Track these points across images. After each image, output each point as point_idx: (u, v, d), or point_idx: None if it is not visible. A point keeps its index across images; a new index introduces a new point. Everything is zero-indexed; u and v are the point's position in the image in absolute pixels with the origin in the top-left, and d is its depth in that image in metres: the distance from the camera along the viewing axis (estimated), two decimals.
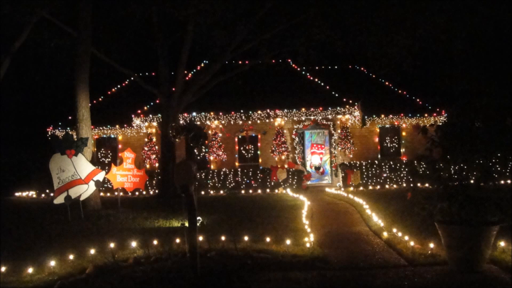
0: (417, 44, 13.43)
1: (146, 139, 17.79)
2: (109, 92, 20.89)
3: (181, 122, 15.78)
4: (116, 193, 12.88)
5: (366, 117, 17.47)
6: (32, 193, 17.05)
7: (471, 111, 5.97)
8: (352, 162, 16.58)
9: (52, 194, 12.80)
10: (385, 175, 16.19)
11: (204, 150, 17.57)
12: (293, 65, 19.75)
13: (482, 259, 5.44)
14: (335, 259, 6.17)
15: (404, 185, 15.92)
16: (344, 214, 10.38)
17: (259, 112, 17.16)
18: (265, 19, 14.42)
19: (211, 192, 15.85)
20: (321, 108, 17.01)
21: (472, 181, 5.85)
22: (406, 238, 6.79)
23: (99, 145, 19.01)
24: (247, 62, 16.75)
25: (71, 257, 6.32)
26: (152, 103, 17.67)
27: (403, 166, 16.27)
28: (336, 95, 17.65)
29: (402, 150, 18.53)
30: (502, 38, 16.27)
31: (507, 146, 5.87)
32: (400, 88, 20.26)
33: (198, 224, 5.89)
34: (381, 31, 13.17)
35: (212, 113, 17.30)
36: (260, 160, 17.94)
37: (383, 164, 16.33)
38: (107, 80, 20.06)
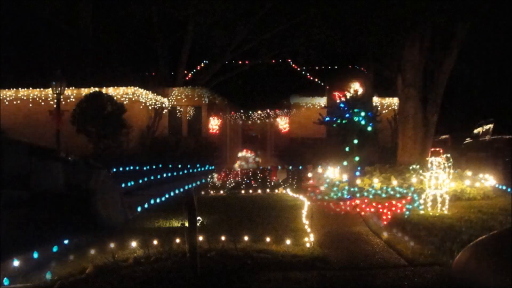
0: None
1: None
2: None
3: None
4: None
5: None
6: None
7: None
8: None
9: None
10: None
11: None
12: (293, 65, 19.75)
13: None
14: (335, 259, 6.16)
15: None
16: (344, 214, 10.38)
17: (259, 112, 17.16)
18: (265, 19, 14.45)
19: (211, 192, 15.84)
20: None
21: None
22: (406, 238, 6.79)
23: None
24: (247, 62, 16.75)
25: (71, 257, 6.32)
26: None
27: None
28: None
29: None
30: (502, 38, 16.28)
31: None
32: None
33: (198, 224, 5.90)
34: (381, 31, 13.18)
35: None
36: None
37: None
38: None
